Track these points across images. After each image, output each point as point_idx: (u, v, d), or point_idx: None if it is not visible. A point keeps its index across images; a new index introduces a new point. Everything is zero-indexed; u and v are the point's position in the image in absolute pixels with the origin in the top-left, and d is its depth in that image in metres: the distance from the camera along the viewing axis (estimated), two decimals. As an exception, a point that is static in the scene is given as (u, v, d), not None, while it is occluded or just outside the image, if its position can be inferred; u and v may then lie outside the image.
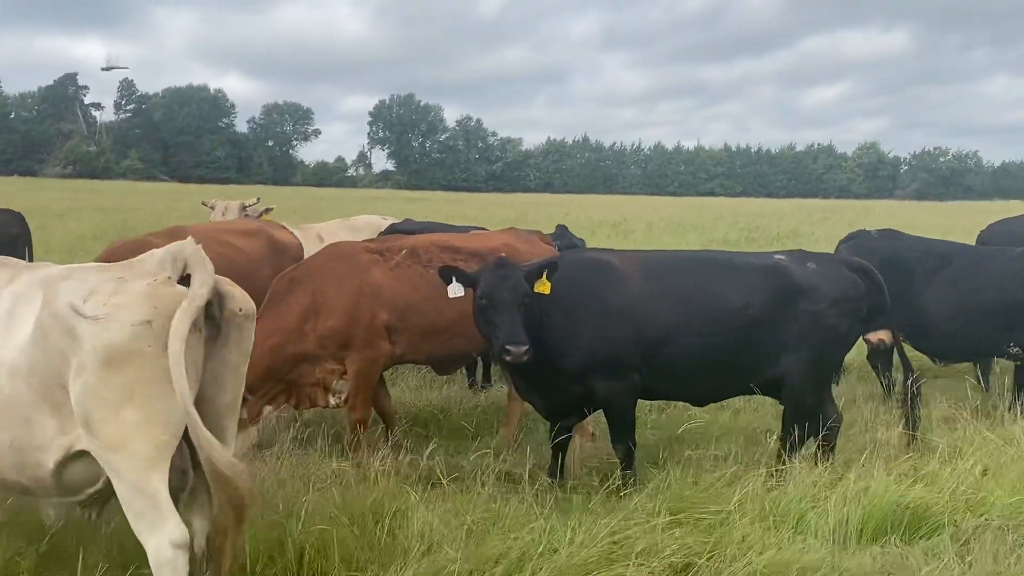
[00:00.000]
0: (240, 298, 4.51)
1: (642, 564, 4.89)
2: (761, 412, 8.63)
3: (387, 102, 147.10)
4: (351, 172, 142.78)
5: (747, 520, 5.39)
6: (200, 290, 4.27)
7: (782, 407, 6.90)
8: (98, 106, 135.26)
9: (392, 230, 10.78)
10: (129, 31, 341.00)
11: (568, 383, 6.60)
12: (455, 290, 6.63)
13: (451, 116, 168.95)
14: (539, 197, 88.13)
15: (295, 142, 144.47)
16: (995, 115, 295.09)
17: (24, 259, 11.02)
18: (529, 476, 6.41)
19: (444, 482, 5.89)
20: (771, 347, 6.61)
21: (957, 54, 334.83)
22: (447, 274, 6.61)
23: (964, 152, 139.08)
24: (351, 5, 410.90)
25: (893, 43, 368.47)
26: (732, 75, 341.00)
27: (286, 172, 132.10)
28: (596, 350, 6.48)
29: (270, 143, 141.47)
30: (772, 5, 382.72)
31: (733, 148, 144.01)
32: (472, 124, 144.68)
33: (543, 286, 6.39)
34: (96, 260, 7.31)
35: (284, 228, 9.56)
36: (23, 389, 4.47)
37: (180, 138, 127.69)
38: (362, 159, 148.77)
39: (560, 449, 6.91)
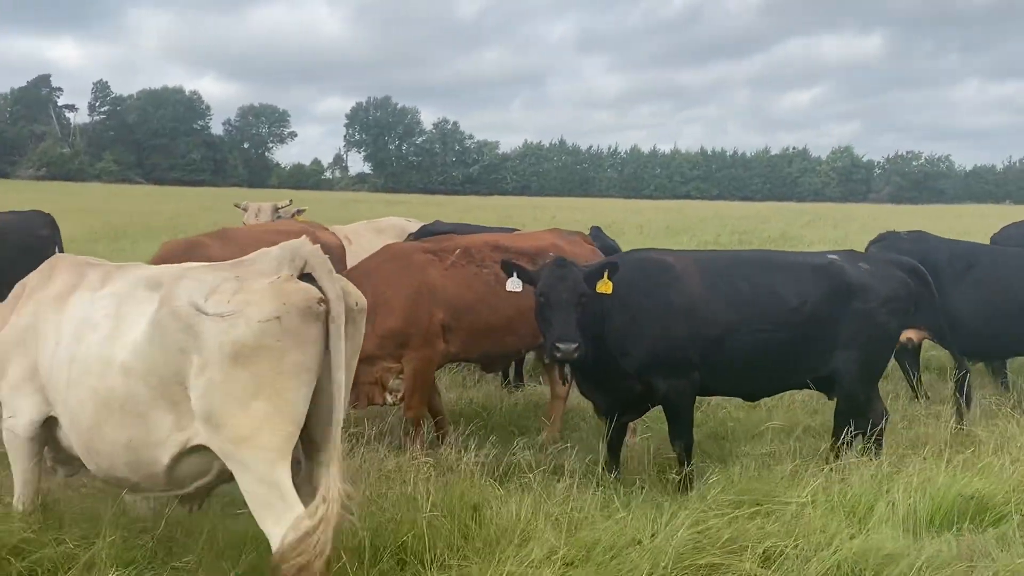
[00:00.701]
0: (355, 293, 4.65)
1: (731, 552, 5.06)
2: (791, 410, 8.84)
3: (364, 104, 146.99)
4: (327, 175, 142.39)
5: (820, 511, 5.58)
6: (336, 287, 4.42)
7: (834, 403, 7.09)
8: (72, 108, 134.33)
9: (423, 232, 10.90)
10: (103, 32, 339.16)
11: (629, 381, 6.76)
12: (514, 284, 6.79)
13: (428, 119, 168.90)
14: (518, 200, 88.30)
15: (271, 144, 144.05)
16: (967, 119, 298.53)
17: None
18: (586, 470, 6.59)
19: (530, 475, 6.03)
20: (825, 344, 6.81)
21: (930, 59, 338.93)
22: (509, 268, 6.78)
23: (936, 156, 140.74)
24: (329, 6, 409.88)
25: (867, 48, 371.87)
26: (708, 79, 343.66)
27: (262, 174, 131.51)
28: (657, 349, 6.65)
29: (246, 145, 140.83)
30: (749, 9, 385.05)
31: (709, 151, 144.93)
32: (449, 127, 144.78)
33: (605, 286, 6.55)
34: (152, 261, 7.39)
35: (326, 229, 9.68)
36: (139, 387, 4.59)
37: (155, 140, 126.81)
38: (338, 162, 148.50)
39: (615, 445, 7.08)
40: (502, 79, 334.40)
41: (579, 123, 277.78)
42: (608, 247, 9.18)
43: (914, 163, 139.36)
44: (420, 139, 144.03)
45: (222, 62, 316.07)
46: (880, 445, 7.08)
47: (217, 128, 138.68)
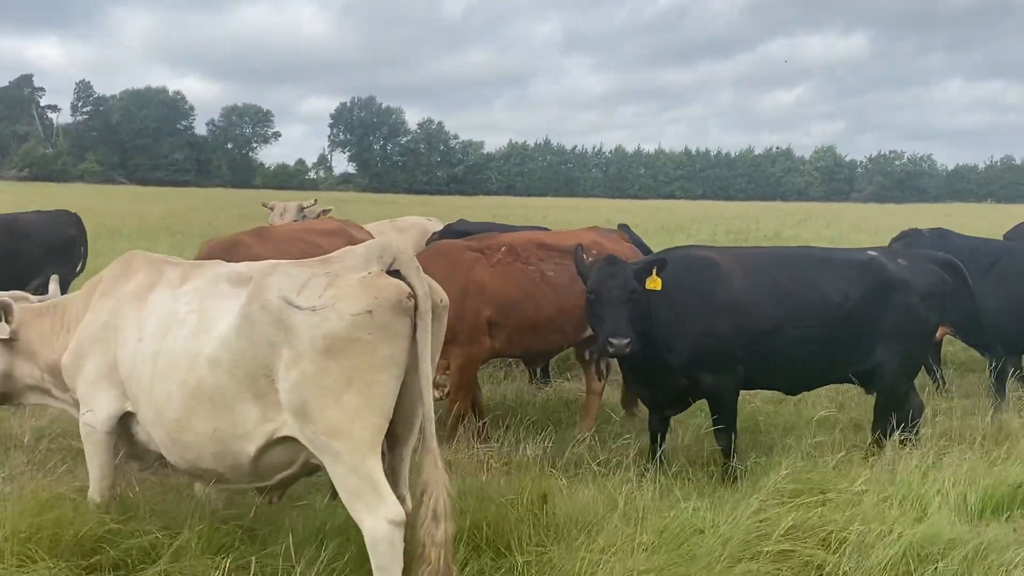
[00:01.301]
0: (439, 291, 4.78)
1: (795, 539, 5.22)
2: (818, 405, 9.00)
3: (348, 104, 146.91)
4: (312, 175, 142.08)
5: (874, 500, 5.75)
6: (424, 283, 4.55)
7: (875, 396, 7.26)
8: (54, 108, 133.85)
9: (448, 231, 11.02)
10: (86, 31, 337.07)
11: (676, 376, 6.91)
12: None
13: (412, 119, 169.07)
14: (504, 200, 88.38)
15: (255, 144, 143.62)
16: (949, 119, 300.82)
17: (80, 259, 11.16)
18: (632, 462, 6.73)
19: (593, 466, 6.18)
20: (867, 339, 6.98)
21: (913, 59, 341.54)
22: (579, 252, 6.98)
23: (919, 156, 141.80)
24: (314, 6, 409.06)
25: (851, 47, 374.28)
26: (692, 78, 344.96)
27: (246, 174, 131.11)
28: (703, 344, 6.80)
29: (229, 145, 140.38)
30: (734, 9, 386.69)
31: (693, 151, 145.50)
32: (434, 127, 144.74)
33: (654, 282, 6.69)
34: (196, 259, 7.49)
35: (361, 228, 9.80)
36: (226, 380, 4.70)
37: (138, 140, 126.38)
38: (323, 162, 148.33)
39: (659, 437, 7.23)
40: (487, 79, 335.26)
41: (564, 123, 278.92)
42: (638, 245, 9.32)
43: (896, 163, 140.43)
44: (405, 139, 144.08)
45: (206, 62, 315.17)
46: (917, 436, 7.25)
47: (201, 128, 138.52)
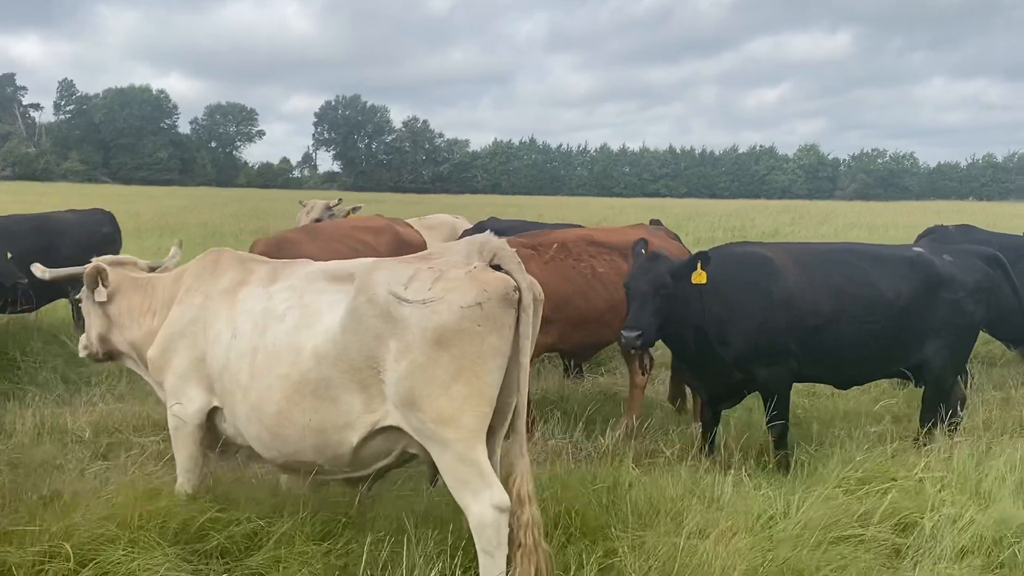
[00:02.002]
0: (537, 284, 4.93)
1: (869, 524, 5.42)
2: (850, 398, 9.21)
3: (332, 103, 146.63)
4: (296, 174, 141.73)
5: (935, 487, 5.95)
6: (526, 277, 4.71)
7: (922, 389, 7.45)
8: (37, 107, 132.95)
9: (479, 229, 11.15)
10: (69, 30, 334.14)
11: (730, 370, 7.09)
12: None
13: (397, 117, 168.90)
14: (492, 198, 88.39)
15: (238, 143, 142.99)
16: (931, 117, 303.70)
17: (115, 257, 11.24)
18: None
19: (667, 453, 6.36)
20: (916, 334, 7.18)
21: (897, 57, 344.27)
22: (639, 247, 7.25)
23: (901, 153, 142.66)
24: (297, 4, 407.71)
25: (836, 46, 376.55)
26: (677, 77, 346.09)
27: (230, 173, 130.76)
28: (757, 339, 6.98)
29: (213, 144, 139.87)
30: (719, 7, 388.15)
31: (677, 149, 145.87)
32: (419, 125, 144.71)
33: (699, 276, 6.87)
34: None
35: (408, 225, 9.94)
36: (331, 372, 4.85)
37: (121, 139, 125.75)
38: (307, 160, 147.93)
39: (711, 429, 7.41)
40: (471, 77, 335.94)
41: (549, 121, 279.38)
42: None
43: (879, 160, 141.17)
44: (390, 138, 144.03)
45: (189, 60, 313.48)
46: (958, 427, 7.47)
47: (184, 127, 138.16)
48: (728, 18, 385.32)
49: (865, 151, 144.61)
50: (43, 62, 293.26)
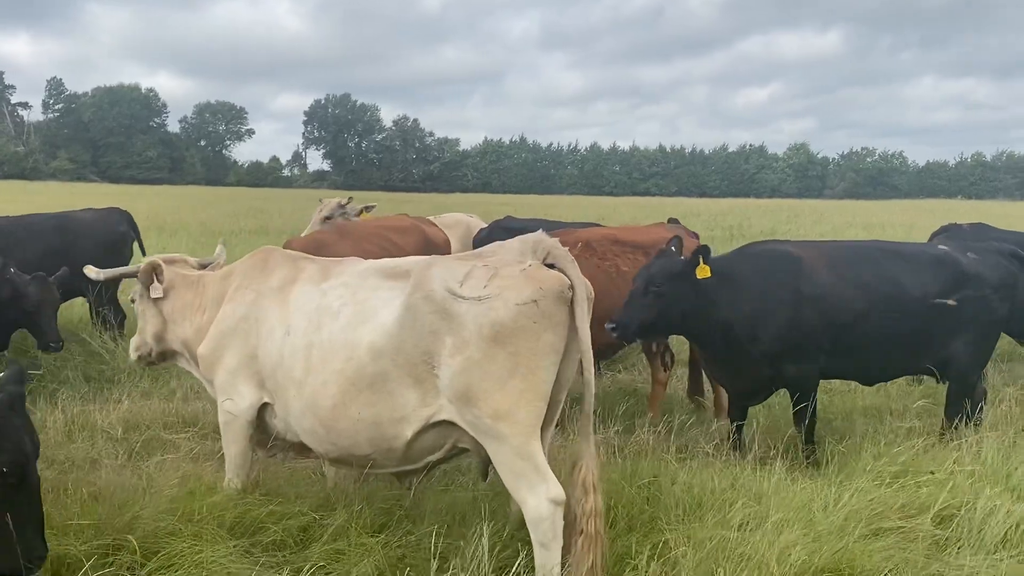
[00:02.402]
0: (588, 283, 5.01)
1: (909, 516, 5.52)
2: (866, 394, 9.31)
3: (322, 102, 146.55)
4: (286, 172, 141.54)
5: (968, 480, 6.06)
6: (579, 275, 4.80)
7: (947, 385, 7.56)
8: (25, 105, 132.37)
9: (496, 228, 11.26)
10: (58, 28, 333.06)
11: (759, 367, 7.19)
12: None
13: (388, 116, 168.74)
14: (484, 197, 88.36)
15: (228, 142, 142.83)
16: (920, 116, 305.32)
17: (131, 256, 11.31)
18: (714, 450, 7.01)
19: (707, 448, 6.47)
20: (943, 330, 7.29)
21: (887, 56, 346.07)
22: (672, 246, 7.35)
23: (890, 152, 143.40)
24: (288, 2, 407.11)
25: (826, 44, 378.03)
26: (668, 75, 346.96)
27: (219, 172, 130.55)
28: (788, 336, 7.08)
29: (202, 143, 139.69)
30: (711, 6, 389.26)
31: (667, 148, 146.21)
32: (409, 124, 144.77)
33: (703, 270, 6.99)
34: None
35: (433, 224, 10.02)
36: (387, 367, 4.94)
37: (110, 138, 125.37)
38: (297, 159, 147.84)
39: (740, 426, 7.51)
40: (462, 76, 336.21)
41: (539, 120, 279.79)
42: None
43: (868, 159, 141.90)
44: (380, 136, 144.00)
45: (178, 59, 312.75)
46: (980, 421, 7.58)
47: (173, 126, 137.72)
48: (719, 17, 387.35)
49: (854, 150, 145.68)
50: (32, 60, 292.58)
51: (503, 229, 11.12)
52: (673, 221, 10.17)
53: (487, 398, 4.69)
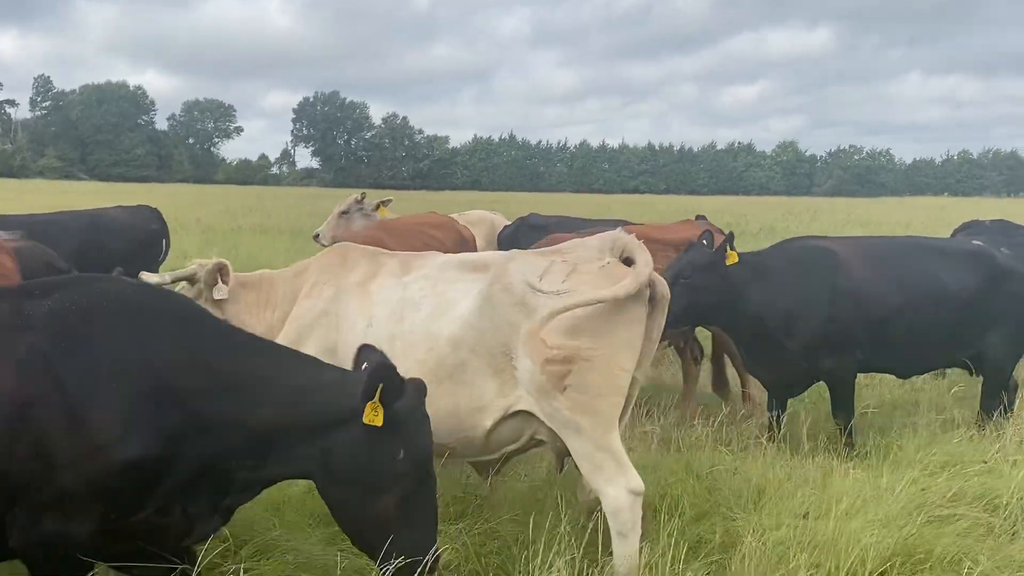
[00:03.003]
0: (663, 283, 5.15)
1: (960, 504, 5.70)
2: (894, 387, 9.50)
3: (311, 99, 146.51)
4: (274, 170, 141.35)
5: (1012, 469, 6.25)
6: (645, 269, 4.93)
7: (982, 378, 7.75)
8: (12, 103, 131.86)
9: (522, 225, 11.41)
10: (45, 25, 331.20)
11: (796, 360, 7.35)
12: None
13: (377, 113, 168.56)
14: (471, 195, 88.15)
15: (216, 139, 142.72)
16: (907, 114, 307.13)
17: (163, 253, 11.42)
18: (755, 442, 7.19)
19: (763, 441, 6.64)
20: (978, 325, 7.48)
21: (875, 54, 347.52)
22: (704, 239, 7.57)
23: (877, 150, 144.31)
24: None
25: (814, 43, 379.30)
26: (656, 73, 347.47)
27: (208, 170, 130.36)
28: (825, 330, 7.25)
29: (191, 140, 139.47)
30: (700, 3, 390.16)
31: (656, 146, 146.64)
32: (398, 122, 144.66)
33: (732, 257, 7.20)
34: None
35: (455, 221, 10.23)
36: (467, 357, 5.07)
37: (98, 136, 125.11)
38: (286, 157, 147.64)
39: (778, 418, 7.68)
40: (452, 73, 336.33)
41: (529, 118, 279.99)
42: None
43: (856, 157, 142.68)
44: (369, 134, 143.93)
45: (167, 56, 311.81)
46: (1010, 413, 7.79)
47: (162, 123, 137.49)
48: (708, 15, 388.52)
49: (842, 147, 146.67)
50: (19, 57, 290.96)
51: (529, 226, 11.29)
52: (701, 218, 10.34)
53: (567, 391, 4.83)
